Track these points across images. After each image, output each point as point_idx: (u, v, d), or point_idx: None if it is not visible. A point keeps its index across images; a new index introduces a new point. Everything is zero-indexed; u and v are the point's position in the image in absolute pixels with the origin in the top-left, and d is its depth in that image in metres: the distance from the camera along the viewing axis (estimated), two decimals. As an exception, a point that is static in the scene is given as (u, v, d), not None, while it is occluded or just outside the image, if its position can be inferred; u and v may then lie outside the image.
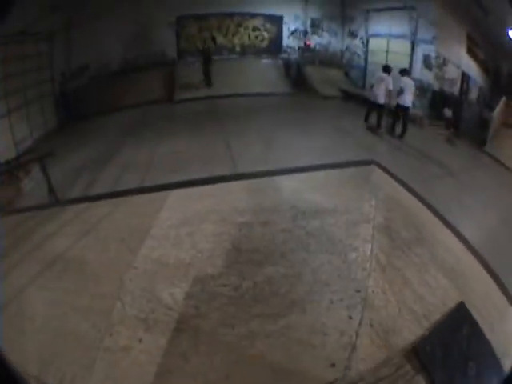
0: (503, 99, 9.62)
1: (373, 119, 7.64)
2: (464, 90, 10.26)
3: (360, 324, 2.86)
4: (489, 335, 3.12)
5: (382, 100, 7.52)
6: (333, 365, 2.58)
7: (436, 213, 4.73)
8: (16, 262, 3.40)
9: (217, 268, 3.24)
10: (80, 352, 2.62)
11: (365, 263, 3.43)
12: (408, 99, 7.69)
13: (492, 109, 9.38)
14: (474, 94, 10.57)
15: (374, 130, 7.56)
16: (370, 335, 2.81)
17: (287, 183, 4.82)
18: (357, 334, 2.77)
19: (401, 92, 7.61)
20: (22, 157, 5.35)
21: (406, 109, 7.69)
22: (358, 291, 3.12)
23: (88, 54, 9.07)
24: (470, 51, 10.23)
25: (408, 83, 7.81)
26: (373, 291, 3.14)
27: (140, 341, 2.70)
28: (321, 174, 5.12)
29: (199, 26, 10.69)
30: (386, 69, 7.78)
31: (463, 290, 3.48)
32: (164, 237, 3.68)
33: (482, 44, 10.40)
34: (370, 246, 3.67)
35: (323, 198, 4.42)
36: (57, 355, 2.63)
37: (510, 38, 8.80)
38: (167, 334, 2.75)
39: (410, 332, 2.91)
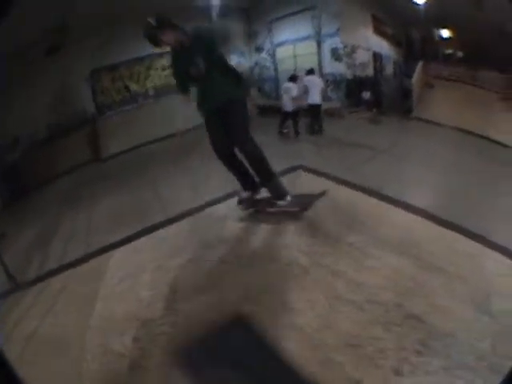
0: (420, 63, 10.33)
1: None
2: (379, 69, 10.89)
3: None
4: (462, 289, 3.27)
5: (289, 108, 7.96)
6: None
7: (375, 194, 4.89)
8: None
9: (155, 312, 3.64)
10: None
11: (285, 271, 3.75)
12: (315, 97, 8.19)
13: (411, 77, 10.03)
14: (390, 70, 11.22)
15: (289, 136, 8.02)
16: (303, 337, 3.03)
17: (217, 213, 5.21)
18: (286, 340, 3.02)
19: (307, 91, 8.12)
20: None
21: (316, 106, 8.19)
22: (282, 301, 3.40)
23: (14, 127, 9.16)
24: (377, 31, 10.86)
25: (314, 81, 8.37)
26: (296, 296, 3.42)
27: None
28: None
29: (112, 77, 10.96)
30: (292, 78, 8.30)
31: (419, 257, 3.62)
32: (110, 295, 4.06)
33: (388, 20, 10.95)
34: (289, 252, 3.99)
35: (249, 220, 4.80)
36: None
37: (414, 2, 9.44)
38: (121, 378, 3.13)
39: (351, 321, 3.09)
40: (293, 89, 8.00)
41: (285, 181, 5.16)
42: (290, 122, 8.23)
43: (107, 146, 9.68)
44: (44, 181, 8.60)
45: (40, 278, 4.93)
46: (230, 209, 5.19)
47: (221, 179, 5.98)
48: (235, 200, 5.10)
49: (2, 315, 4.29)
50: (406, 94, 10.02)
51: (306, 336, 3.07)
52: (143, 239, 5.09)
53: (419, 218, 4.42)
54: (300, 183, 5.51)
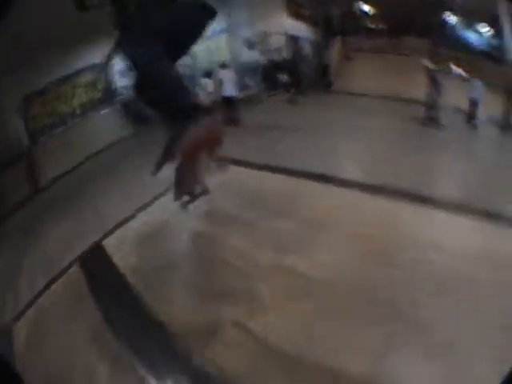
0: (338, 38, 10.59)
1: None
2: (295, 50, 10.74)
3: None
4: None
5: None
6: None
7: (300, 174, 5.10)
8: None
9: None
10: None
11: None
12: (229, 89, 8.26)
13: (328, 53, 10.15)
14: (306, 50, 11.10)
15: None
16: None
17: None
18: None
19: (221, 84, 8.25)
20: None
21: (231, 98, 8.25)
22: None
23: None
24: (293, 14, 10.85)
25: (227, 74, 8.44)
26: None
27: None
28: None
29: (41, 102, 10.20)
30: (207, 74, 8.50)
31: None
32: None
33: (305, 2, 11.25)
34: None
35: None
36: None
37: None
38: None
39: None
40: (209, 84, 8.24)
41: None
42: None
43: (45, 174, 8.93)
44: None
45: None
46: None
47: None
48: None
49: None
50: (324, 70, 10.08)
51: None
52: None
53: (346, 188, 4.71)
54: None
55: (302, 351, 2.90)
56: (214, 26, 9.98)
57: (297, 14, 11.06)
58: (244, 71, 10.13)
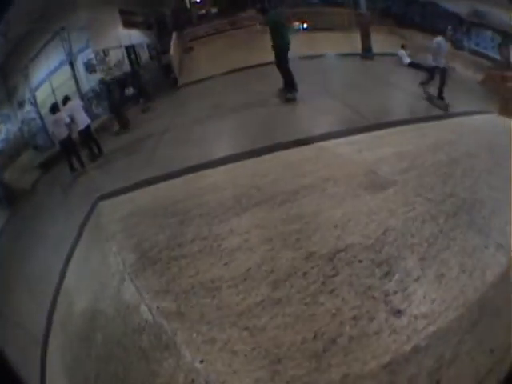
0: (174, 34, 10.85)
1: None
2: (134, 60, 10.99)
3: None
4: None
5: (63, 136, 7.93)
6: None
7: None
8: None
9: None
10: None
11: None
12: (81, 122, 8.28)
13: (168, 52, 10.52)
14: (146, 56, 11.42)
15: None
16: None
17: None
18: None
19: (73, 120, 8.14)
20: None
21: (86, 129, 8.29)
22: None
23: None
24: (127, 24, 10.95)
25: (74, 106, 8.43)
26: None
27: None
28: None
29: None
30: (53, 109, 8.38)
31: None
32: None
33: (137, 9, 11.31)
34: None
35: None
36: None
37: None
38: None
39: None
40: (62, 116, 8.07)
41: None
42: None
43: None
44: None
45: None
46: None
47: None
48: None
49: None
50: (167, 69, 10.44)
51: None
52: None
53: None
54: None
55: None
56: (54, 61, 9.99)
57: (130, 23, 11.21)
58: (91, 100, 9.98)
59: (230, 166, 5.84)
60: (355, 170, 5.16)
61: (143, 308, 3.60)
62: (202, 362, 3.00)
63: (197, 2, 11.87)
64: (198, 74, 9.80)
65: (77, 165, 7.75)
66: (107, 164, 7.63)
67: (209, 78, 9.34)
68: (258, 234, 4.10)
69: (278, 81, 7.75)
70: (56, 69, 10.30)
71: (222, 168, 5.90)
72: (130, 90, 10.01)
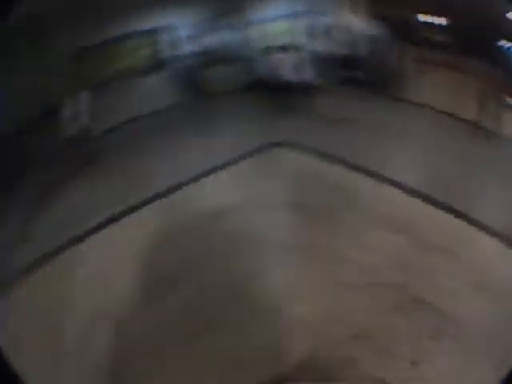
0: (407, 47, 9.07)
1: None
2: (370, 48, 9.99)
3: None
4: (455, 265, 3.23)
5: (284, 75, 8.06)
6: None
7: (365, 170, 4.82)
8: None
9: None
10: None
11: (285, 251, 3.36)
12: (290, 73, 8.23)
13: (393, 59, 9.42)
14: (379, 50, 10.09)
15: (278, 112, 7.55)
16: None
17: (198, 191, 4.72)
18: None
19: (284, 67, 8.18)
20: None
21: (291, 83, 8.11)
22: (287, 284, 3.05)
23: None
24: (371, 11, 9.73)
25: (291, 59, 8.46)
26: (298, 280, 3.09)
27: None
28: (230, 170, 5.10)
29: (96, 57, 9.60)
30: (282, 49, 8.47)
31: (415, 235, 3.54)
32: None
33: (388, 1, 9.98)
34: (286, 230, 3.60)
35: (234, 193, 4.35)
36: None
37: None
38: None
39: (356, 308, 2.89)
40: (284, 58, 8.25)
41: (266, 157, 5.36)
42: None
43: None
44: None
45: None
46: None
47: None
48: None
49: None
50: (391, 75, 9.63)
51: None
52: None
53: (409, 195, 4.40)
54: (283, 161, 5.35)
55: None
56: (280, 10, 10.43)
57: (376, 13, 10.10)
58: (317, 59, 9.47)
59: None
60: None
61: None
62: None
63: (437, 25, 9.94)
64: (413, 96, 8.56)
65: (278, 104, 7.52)
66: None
67: (422, 105, 8.22)
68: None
69: None
70: (284, 16, 10.40)
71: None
72: (355, 72, 9.38)
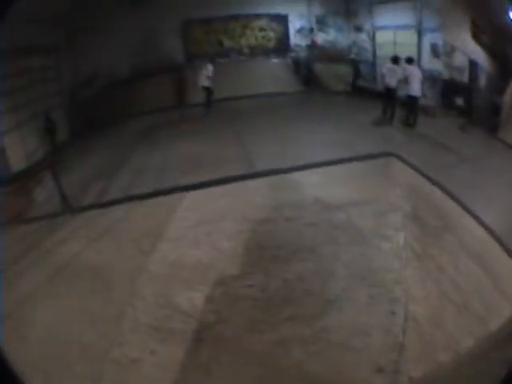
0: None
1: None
2: (473, 77, 10.05)
3: (405, 319, 2.53)
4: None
5: (393, 86, 7.57)
6: (380, 370, 2.20)
7: (458, 200, 4.57)
8: (24, 269, 3.17)
9: (240, 268, 2.90)
10: (86, 363, 2.29)
11: (400, 253, 3.15)
12: (415, 88, 7.60)
13: (502, 94, 9.16)
14: (482, 81, 10.31)
15: (387, 121, 7.46)
16: (418, 331, 2.47)
17: (308, 179, 4.56)
18: (403, 331, 2.43)
19: (406, 81, 7.54)
20: (33, 168, 5.10)
21: (415, 98, 7.60)
22: (398, 283, 2.80)
23: (96, 64, 9.09)
24: (475, 37, 10.00)
25: (414, 72, 7.68)
26: (413, 282, 2.85)
27: (152, 353, 2.34)
28: (341, 167, 4.93)
29: (205, 30, 10.63)
30: (395, 60, 7.77)
31: (492, 276, 3.26)
32: (180, 238, 3.39)
33: (486, 29, 10.07)
34: (402, 234, 3.40)
35: (346, 190, 4.19)
36: (61, 366, 2.34)
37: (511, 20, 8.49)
38: (184, 345, 2.38)
39: (455, 325, 2.62)
40: (398, 70, 7.63)
41: (378, 163, 5.16)
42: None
43: (193, 95, 9.20)
44: (120, 118, 8.35)
45: (98, 205, 4.36)
46: (322, 176, 4.67)
47: (316, 146, 5.59)
48: (326, 169, 4.83)
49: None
50: (496, 110, 9.12)
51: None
52: (225, 187, 4.37)
53: (489, 237, 4.04)
54: (392, 170, 5.12)
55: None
56: (402, 20, 10.20)
57: (478, 39, 10.10)
58: (426, 78, 9.39)
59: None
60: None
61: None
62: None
63: None
64: None
65: (388, 113, 7.71)
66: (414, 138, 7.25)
67: None
68: None
69: None
70: (402, 27, 10.33)
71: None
72: (460, 100, 9.21)
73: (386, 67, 7.93)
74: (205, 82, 8.18)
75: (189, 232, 3.43)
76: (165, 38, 10.25)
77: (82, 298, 2.78)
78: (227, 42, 10.80)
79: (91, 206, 4.35)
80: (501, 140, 8.27)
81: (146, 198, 4.29)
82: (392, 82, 7.46)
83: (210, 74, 8.19)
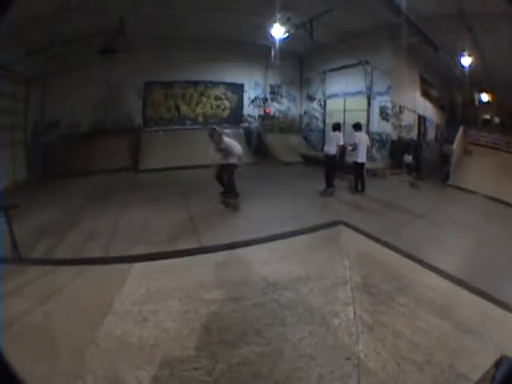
0: (460, 129, 10.38)
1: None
2: (422, 133, 11.01)
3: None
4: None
5: (333, 152, 7.54)
6: None
7: (413, 258, 4.70)
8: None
9: (186, 350, 2.81)
10: None
11: (350, 327, 3.17)
12: (362, 155, 7.75)
13: (451, 142, 10.02)
14: (431, 134, 11.57)
15: (333, 190, 7.59)
16: None
17: (255, 255, 4.61)
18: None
19: (355, 148, 7.70)
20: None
21: (362, 165, 7.79)
22: (349, 358, 2.81)
23: (59, 110, 9.30)
24: (424, 93, 11.13)
25: (362, 138, 7.84)
26: (365, 354, 2.86)
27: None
28: (289, 241, 5.02)
29: (165, 94, 10.89)
30: (335, 127, 7.79)
31: (457, 321, 3.40)
32: (127, 313, 3.29)
33: (435, 81, 11.45)
34: (351, 308, 3.45)
35: (294, 266, 4.23)
36: None
37: (462, 65, 9.41)
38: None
39: (418, 382, 2.67)
40: (339, 136, 7.62)
41: (327, 233, 5.31)
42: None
43: (144, 160, 9.45)
44: (76, 172, 8.46)
45: (48, 261, 4.31)
46: (269, 251, 4.81)
47: (264, 220, 5.82)
48: (274, 243, 4.98)
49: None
50: (445, 160, 10.01)
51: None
52: (172, 261, 4.45)
53: (451, 283, 4.26)
54: (342, 238, 5.25)
55: None
56: (353, 86, 10.75)
57: (427, 94, 11.18)
58: (373, 141, 10.04)
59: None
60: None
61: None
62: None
63: (482, 102, 11.59)
64: (468, 184, 8.94)
65: (330, 181, 7.60)
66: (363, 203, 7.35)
67: (475, 193, 8.48)
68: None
69: None
70: (353, 93, 10.96)
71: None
72: (409, 158, 9.69)
73: (329, 136, 8.05)
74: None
75: (135, 308, 3.34)
76: (127, 96, 10.41)
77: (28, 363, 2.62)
78: (184, 109, 10.95)
79: (41, 261, 4.27)
80: (453, 186, 9.02)
81: (94, 263, 4.26)
82: (331, 149, 7.48)
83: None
